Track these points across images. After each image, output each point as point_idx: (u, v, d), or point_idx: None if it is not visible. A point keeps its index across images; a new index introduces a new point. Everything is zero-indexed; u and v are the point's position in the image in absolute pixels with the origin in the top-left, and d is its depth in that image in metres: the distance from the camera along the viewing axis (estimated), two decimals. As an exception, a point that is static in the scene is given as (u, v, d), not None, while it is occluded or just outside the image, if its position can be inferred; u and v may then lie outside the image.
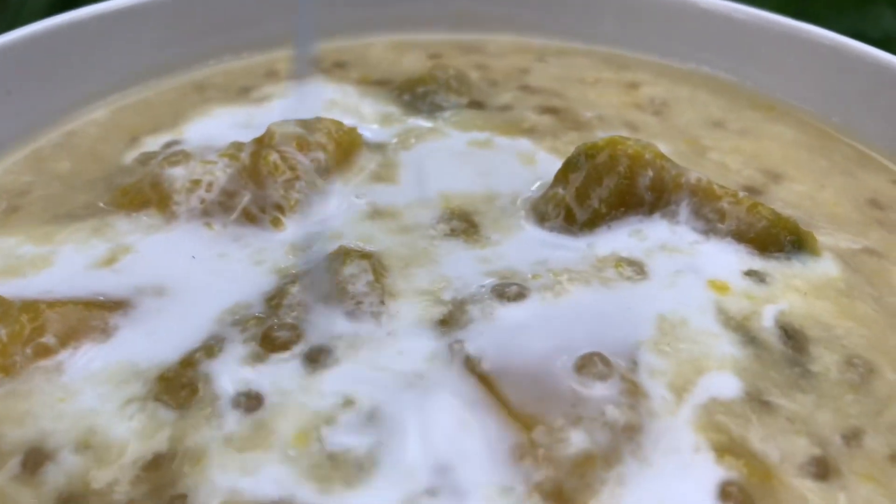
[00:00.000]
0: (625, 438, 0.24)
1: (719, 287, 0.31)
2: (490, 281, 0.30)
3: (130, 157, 0.38)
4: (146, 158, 0.37)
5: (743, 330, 0.29)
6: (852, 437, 0.26)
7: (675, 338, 0.28)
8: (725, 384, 0.27)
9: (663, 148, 0.36)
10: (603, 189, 0.33)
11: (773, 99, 0.43)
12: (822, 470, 0.25)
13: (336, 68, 0.45)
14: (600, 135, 0.39)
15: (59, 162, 0.39)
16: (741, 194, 0.33)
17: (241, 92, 0.43)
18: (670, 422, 0.25)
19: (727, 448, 0.25)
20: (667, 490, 0.24)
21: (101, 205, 0.35)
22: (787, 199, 0.36)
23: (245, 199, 0.34)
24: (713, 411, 0.26)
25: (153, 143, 0.39)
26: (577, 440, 0.24)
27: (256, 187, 0.34)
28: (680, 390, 0.26)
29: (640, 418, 0.25)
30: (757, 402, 0.26)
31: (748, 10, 0.44)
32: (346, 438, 0.25)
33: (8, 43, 0.39)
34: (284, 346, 0.28)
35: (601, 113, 0.42)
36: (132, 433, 0.26)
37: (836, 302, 0.31)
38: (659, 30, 0.45)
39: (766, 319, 0.29)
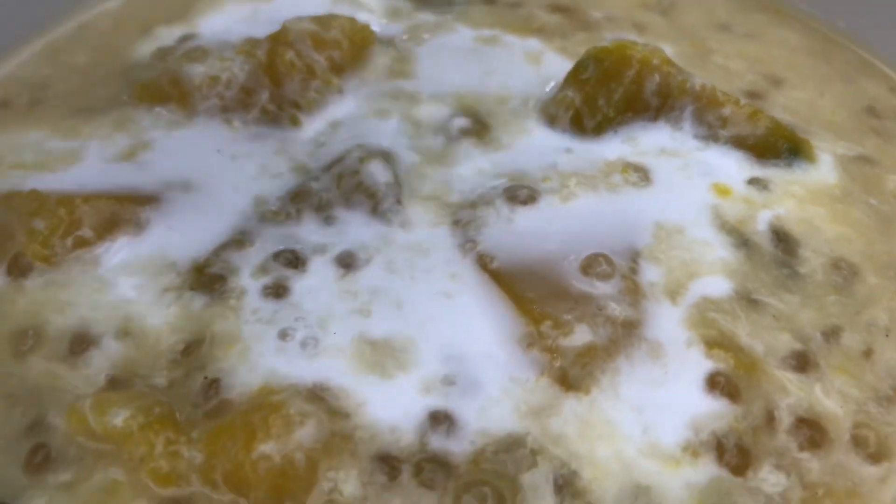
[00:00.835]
0: (624, 333, 0.27)
1: (722, 191, 0.32)
2: (502, 182, 0.32)
3: (146, 49, 0.39)
4: (163, 54, 0.37)
5: (737, 233, 0.31)
6: (831, 333, 0.28)
7: (671, 242, 0.30)
8: (718, 285, 0.29)
9: (669, 50, 0.37)
10: (611, 93, 0.34)
11: (780, 1, 0.44)
12: (802, 363, 0.27)
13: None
14: (608, 36, 0.40)
15: (76, 55, 0.39)
16: (743, 102, 0.34)
17: None
18: (665, 318, 0.28)
19: (716, 342, 0.27)
20: (661, 379, 0.26)
21: (124, 98, 0.36)
22: (787, 105, 0.37)
23: (263, 96, 0.35)
24: (705, 309, 0.28)
25: (167, 36, 0.39)
26: (581, 333, 0.26)
27: (273, 85, 0.35)
28: (673, 290, 0.29)
29: (638, 315, 0.27)
30: (745, 300, 0.29)
31: None
32: (377, 324, 0.27)
33: None
34: (311, 251, 0.30)
35: (610, 13, 0.42)
36: (168, 321, 0.28)
37: (830, 207, 0.33)
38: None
39: (761, 224, 0.31)
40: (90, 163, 0.33)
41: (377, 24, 0.40)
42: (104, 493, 0.24)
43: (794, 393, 0.26)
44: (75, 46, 0.39)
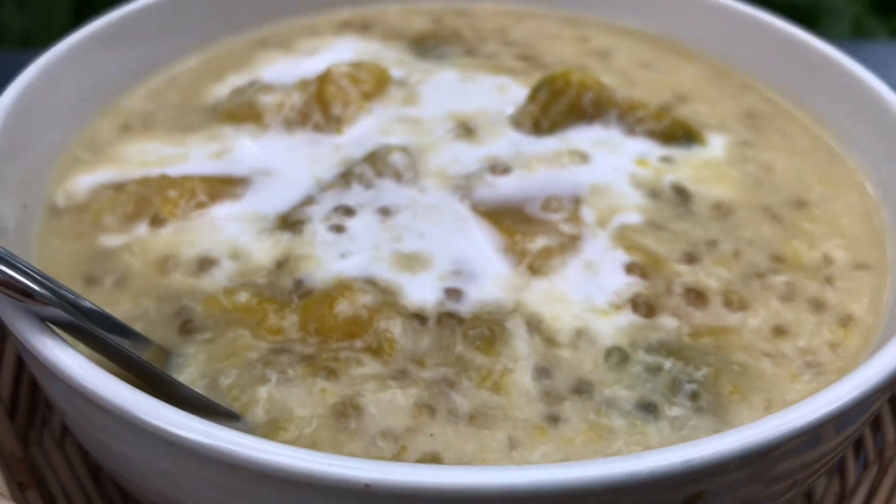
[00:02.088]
0: (569, 242, 0.40)
1: (641, 163, 0.46)
2: (485, 163, 0.46)
3: (223, 91, 0.53)
4: (239, 91, 0.52)
5: (648, 188, 0.45)
6: (711, 243, 0.42)
7: (602, 194, 0.44)
8: (633, 217, 0.43)
9: (604, 79, 0.52)
10: (559, 105, 0.49)
11: (691, 49, 0.59)
12: (691, 259, 0.41)
13: (363, 29, 0.60)
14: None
15: (171, 96, 0.53)
16: (651, 107, 0.49)
17: (292, 45, 0.58)
18: (597, 235, 0.41)
19: (632, 246, 0.41)
20: (595, 268, 0.39)
21: (213, 121, 0.50)
22: (687, 114, 0.52)
23: (315, 116, 0.49)
24: (624, 230, 0.42)
25: (238, 81, 0.53)
26: (541, 241, 0.40)
27: (322, 108, 0.49)
28: (603, 220, 0.42)
29: (579, 231, 0.41)
30: (653, 225, 0.42)
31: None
32: (406, 245, 0.40)
33: (121, 15, 0.53)
34: (358, 206, 0.43)
35: (560, 58, 0.57)
36: (264, 248, 0.41)
37: (716, 172, 0.47)
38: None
39: (665, 183, 0.45)
40: (195, 161, 0.47)
41: (392, 69, 0.54)
42: (234, 344, 0.36)
43: (684, 275, 0.40)
44: (170, 90, 0.54)
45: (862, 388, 0.29)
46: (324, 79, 0.50)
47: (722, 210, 0.44)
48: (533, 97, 0.49)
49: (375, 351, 0.36)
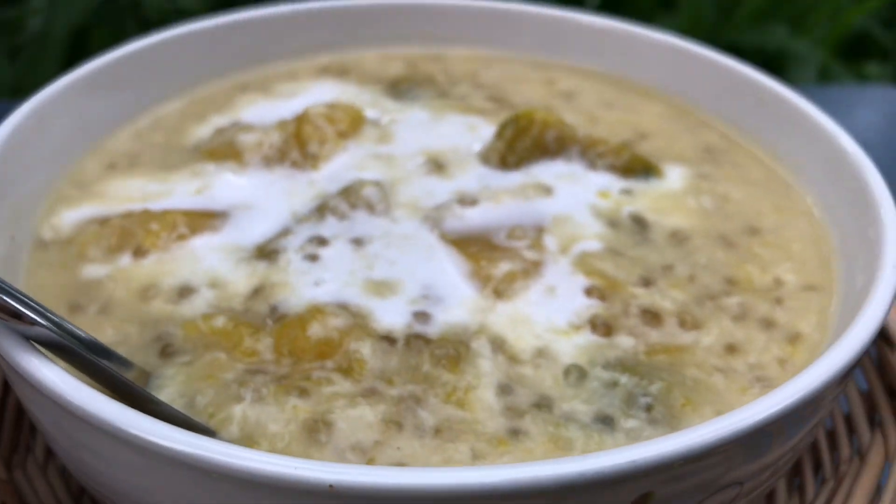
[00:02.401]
0: (532, 267, 0.43)
1: (603, 195, 0.49)
2: (454, 196, 0.48)
3: (205, 131, 0.55)
4: (221, 131, 0.54)
5: (607, 218, 0.47)
6: (668, 267, 0.44)
7: (564, 224, 0.46)
8: (593, 244, 0.45)
9: (569, 120, 0.55)
10: (524, 142, 0.51)
11: (652, 89, 0.62)
12: (647, 282, 0.43)
13: (340, 73, 0.63)
14: (527, 112, 0.58)
15: (155, 136, 0.56)
16: (611, 143, 0.52)
17: (272, 89, 0.61)
18: (558, 261, 0.43)
19: (591, 271, 0.43)
20: (556, 291, 0.42)
21: (195, 160, 0.52)
22: (648, 149, 0.54)
23: (293, 153, 0.51)
24: (585, 256, 0.44)
25: (220, 121, 0.56)
26: (505, 266, 0.42)
27: (300, 146, 0.52)
28: (565, 247, 0.45)
29: (541, 257, 0.43)
30: (612, 252, 0.45)
31: (634, 28, 0.63)
32: (377, 273, 0.42)
33: (108, 60, 0.56)
34: (332, 237, 0.45)
35: (528, 100, 0.60)
36: (242, 277, 0.43)
37: (673, 203, 0.49)
38: (570, 42, 0.64)
39: (624, 213, 0.48)
40: (177, 197, 0.49)
41: (367, 110, 0.57)
42: (211, 365, 0.38)
43: (641, 297, 0.42)
44: (154, 132, 0.56)
45: (800, 394, 0.31)
46: (301, 119, 0.53)
47: (678, 238, 0.47)
48: (500, 134, 0.52)
49: (346, 371, 0.38)
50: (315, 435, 0.35)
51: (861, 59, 1.36)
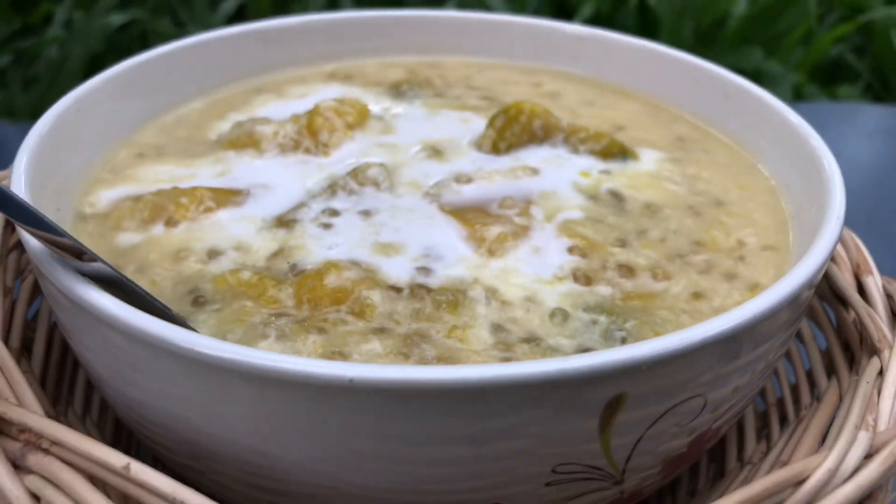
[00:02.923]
0: (521, 230, 0.48)
1: (584, 174, 0.55)
2: (451, 176, 0.54)
3: (224, 126, 0.61)
4: (240, 125, 0.60)
5: (588, 193, 0.53)
6: (642, 231, 0.49)
7: (549, 198, 0.52)
8: (575, 214, 0.50)
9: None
10: (513, 130, 0.57)
11: (629, 90, 0.68)
12: (622, 243, 0.48)
13: (346, 78, 0.69)
14: (516, 109, 0.64)
15: (179, 131, 0.61)
16: (592, 131, 0.57)
17: (285, 91, 0.67)
18: (544, 227, 0.49)
19: (574, 234, 0.48)
20: (542, 251, 0.47)
21: (217, 149, 0.58)
22: (624, 139, 0.60)
23: (306, 142, 0.57)
24: (567, 223, 0.49)
25: (239, 118, 0.62)
26: (497, 229, 0.47)
27: (311, 136, 0.57)
28: (549, 216, 0.50)
29: (529, 223, 0.49)
30: (592, 220, 0.50)
31: (611, 34, 0.69)
32: (384, 237, 0.48)
33: (137, 62, 0.61)
34: (343, 210, 0.51)
35: (516, 98, 0.66)
36: (264, 241, 0.48)
37: (647, 181, 0.55)
38: (554, 49, 0.70)
39: (603, 189, 0.53)
40: (202, 179, 0.54)
41: (371, 106, 0.63)
42: (240, 312, 0.43)
43: (617, 255, 0.47)
44: (177, 127, 0.62)
45: (746, 316, 0.36)
46: (313, 112, 0.58)
47: (651, 209, 0.52)
48: (491, 124, 0.58)
49: (358, 314, 0.43)
50: (332, 362, 0.40)
51: (836, 83, 1.43)
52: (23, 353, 0.48)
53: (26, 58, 1.40)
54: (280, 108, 0.63)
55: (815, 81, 1.37)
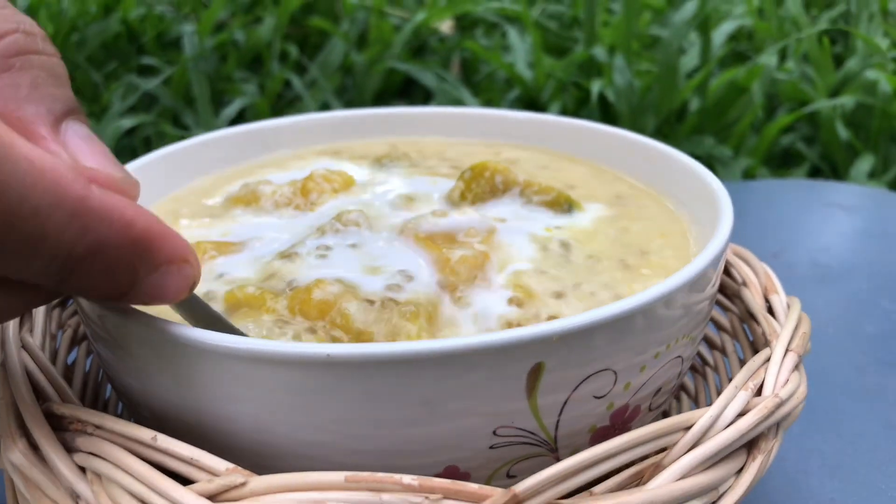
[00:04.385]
0: (481, 255, 0.58)
1: (546, 229, 0.65)
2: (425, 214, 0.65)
3: (234, 188, 0.72)
4: (246, 185, 0.71)
5: (539, 243, 0.63)
6: (576, 284, 0.59)
7: (505, 248, 0.62)
8: (524, 265, 0.60)
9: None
10: (479, 183, 0.68)
11: (576, 156, 0.79)
12: (558, 295, 0.58)
13: (335, 154, 0.81)
14: (479, 174, 0.75)
15: (191, 197, 0.72)
16: (543, 185, 0.68)
17: (285, 165, 0.78)
18: (495, 276, 0.59)
19: (516, 285, 0.58)
20: (486, 296, 0.57)
21: (225, 206, 0.68)
22: (574, 195, 0.71)
23: (298, 200, 0.68)
24: (515, 273, 0.59)
25: (244, 181, 0.73)
26: (460, 252, 0.57)
27: (304, 196, 0.68)
28: (501, 266, 0.60)
29: (489, 250, 0.59)
30: (537, 272, 0.60)
31: (560, 118, 0.81)
32: (367, 263, 0.58)
33: (160, 155, 0.73)
34: (334, 244, 0.61)
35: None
36: (264, 270, 0.58)
37: (592, 233, 0.65)
38: (513, 130, 0.82)
39: (554, 241, 0.63)
40: (208, 232, 0.65)
41: (356, 176, 0.74)
42: (244, 317, 0.53)
43: (551, 307, 0.57)
44: (189, 195, 0.73)
45: (633, 304, 0.46)
46: (308, 178, 0.70)
47: (592, 260, 0.61)
48: (461, 178, 0.69)
49: (339, 324, 0.52)
50: (318, 354, 0.49)
51: (789, 168, 1.57)
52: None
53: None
54: (281, 176, 0.75)
55: (767, 167, 1.50)
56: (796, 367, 0.48)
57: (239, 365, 0.44)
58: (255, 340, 0.44)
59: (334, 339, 0.51)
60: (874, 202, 1.21)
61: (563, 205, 0.68)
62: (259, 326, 0.51)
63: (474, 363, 0.43)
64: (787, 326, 0.52)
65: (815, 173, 1.54)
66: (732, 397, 0.44)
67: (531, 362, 0.44)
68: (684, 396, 0.68)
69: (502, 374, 0.44)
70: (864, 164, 1.46)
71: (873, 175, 1.49)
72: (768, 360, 0.50)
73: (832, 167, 1.55)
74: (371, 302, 0.54)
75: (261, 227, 0.65)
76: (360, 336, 0.51)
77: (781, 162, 1.58)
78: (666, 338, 0.49)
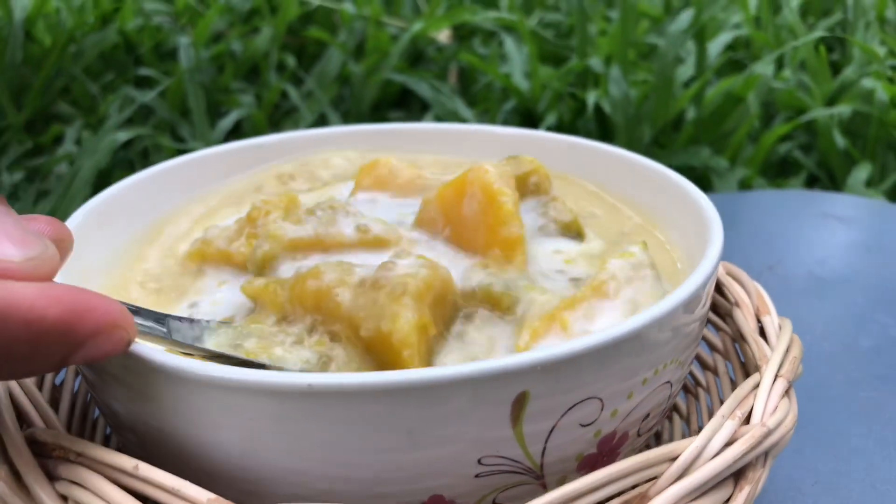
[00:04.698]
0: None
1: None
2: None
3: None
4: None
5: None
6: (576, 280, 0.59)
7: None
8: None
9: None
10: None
11: (559, 172, 0.78)
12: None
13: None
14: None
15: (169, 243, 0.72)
16: (567, 205, 0.68)
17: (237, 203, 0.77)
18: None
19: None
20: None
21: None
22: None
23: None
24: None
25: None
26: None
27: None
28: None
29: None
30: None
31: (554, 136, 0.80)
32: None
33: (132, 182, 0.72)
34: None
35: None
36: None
37: (598, 259, 0.64)
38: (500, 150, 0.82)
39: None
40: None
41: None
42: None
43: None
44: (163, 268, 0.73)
45: (645, 318, 0.45)
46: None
47: (584, 282, 0.60)
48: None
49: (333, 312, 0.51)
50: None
51: (786, 177, 1.56)
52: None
53: (39, 175, 1.53)
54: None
55: (764, 176, 1.50)
56: (786, 394, 0.48)
57: (221, 394, 0.44)
58: (236, 370, 0.43)
59: (332, 336, 0.50)
60: (870, 213, 1.21)
61: (573, 231, 0.66)
62: (262, 338, 0.51)
63: (458, 392, 0.43)
64: (777, 351, 0.51)
65: (812, 182, 1.54)
66: (719, 427, 0.44)
67: (515, 391, 0.43)
68: (676, 418, 0.68)
69: (486, 403, 0.43)
70: (862, 172, 1.45)
71: (871, 183, 1.49)
72: (757, 386, 0.49)
73: (829, 176, 1.55)
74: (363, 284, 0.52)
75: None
76: (351, 322, 0.50)
77: (779, 171, 1.58)
78: (654, 363, 0.49)
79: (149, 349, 0.44)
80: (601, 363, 0.45)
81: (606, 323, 0.51)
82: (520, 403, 0.44)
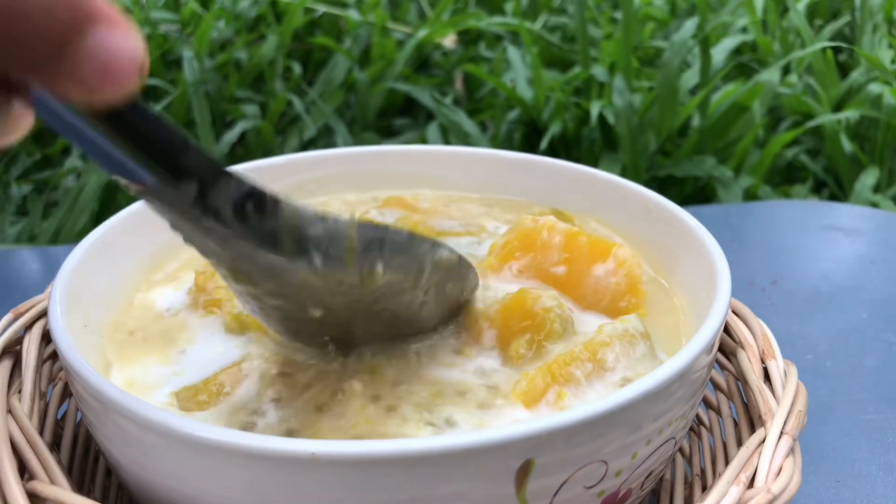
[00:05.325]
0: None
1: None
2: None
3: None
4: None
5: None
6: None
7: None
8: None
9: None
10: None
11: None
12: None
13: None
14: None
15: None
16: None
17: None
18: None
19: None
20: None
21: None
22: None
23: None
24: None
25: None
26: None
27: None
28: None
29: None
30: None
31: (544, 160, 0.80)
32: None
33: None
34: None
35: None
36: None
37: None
38: (505, 180, 0.81)
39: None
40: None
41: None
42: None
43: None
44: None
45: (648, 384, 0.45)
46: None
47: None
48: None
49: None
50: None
51: (792, 184, 1.56)
52: (53, 448, 0.57)
53: (48, 187, 1.54)
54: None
55: (770, 183, 1.49)
56: (791, 452, 0.48)
57: (222, 458, 0.44)
58: (240, 435, 0.43)
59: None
60: (876, 225, 1.21)
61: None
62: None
63: (463, 461, 0.43)
64: (782, 405, 0.51)
65: (819, 187, 1.53)
66: (724, 494, 0.44)
67: (521, 459, 0.44)
68: (678, 457, 0.68)
69: (492, 471, 0.44)
70: (869, 177, 1.45)
71: (878, 188, 1.48)
72: (762, 442, 0.49)
73: (837, 181, 1.54)
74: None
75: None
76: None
77: (785, 176, 1.58)
78: (658, 425, 0.49)
79: (150, 408, 0.44)
80: (606, 429, 0.45)
81: (603, 388, 0.51)
82: (524, 470, 0.44)
